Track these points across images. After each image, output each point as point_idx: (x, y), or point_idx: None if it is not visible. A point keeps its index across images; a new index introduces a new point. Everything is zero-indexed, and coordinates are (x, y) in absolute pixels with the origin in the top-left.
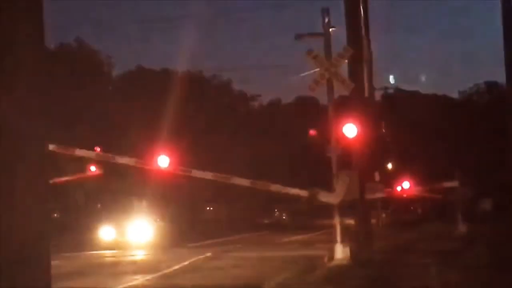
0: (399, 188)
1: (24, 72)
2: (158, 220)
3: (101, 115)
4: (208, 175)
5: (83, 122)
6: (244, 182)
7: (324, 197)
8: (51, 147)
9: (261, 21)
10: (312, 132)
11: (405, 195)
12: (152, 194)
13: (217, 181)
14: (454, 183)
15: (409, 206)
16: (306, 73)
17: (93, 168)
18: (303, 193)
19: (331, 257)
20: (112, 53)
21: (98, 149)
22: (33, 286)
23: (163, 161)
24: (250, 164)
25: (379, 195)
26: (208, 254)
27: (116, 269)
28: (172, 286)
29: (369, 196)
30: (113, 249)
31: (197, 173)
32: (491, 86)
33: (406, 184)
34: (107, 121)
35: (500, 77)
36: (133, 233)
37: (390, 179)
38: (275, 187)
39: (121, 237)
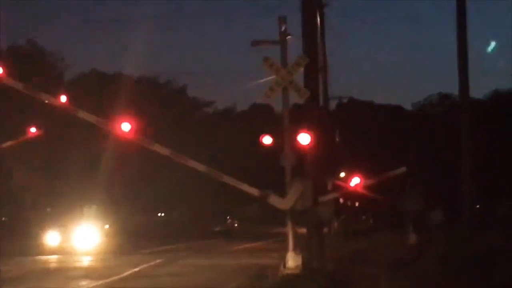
0: (352, 184)
1: None
2: (107, 225)
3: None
4: (166, 151)
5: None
6: (199, 166)
7: (274, 201)
8: None
9: (217, 28)
10: (264, 139)
11: (357, 190)
12: (103, 199)
13: (169, 187)
14: (402, 169)
15: (360, 215)
16: (261, 80)
17: (33, 130)
18: (254, 191)
19: (283, 266)
20: (67, 55)
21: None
22: None
23: (127, 126)
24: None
25: (331, 196)
26: (159, 260)
27: (65, 274)
28: None
29: (322, 198)
30: (60, 254)
31: (158, 148)
32: (444, 97)
33: (356, 180)
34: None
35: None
36: (80, 238)
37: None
38: (228, 179)
39: (67, 242)
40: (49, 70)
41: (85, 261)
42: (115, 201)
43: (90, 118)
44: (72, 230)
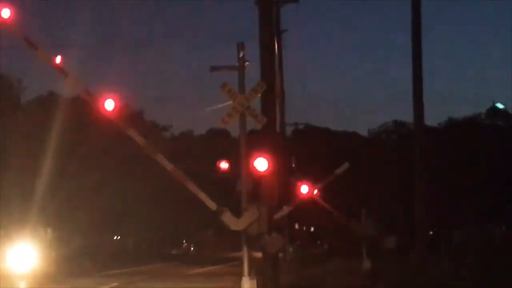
0: (303, 191)
1: None
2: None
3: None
4: (141, 142)
5: None
6: (167, 165)
7: (228, 219)
8: None
9: (176, 52)
10: (221, 165)
11: (310, 199)
12: (59, 222)
13: (125, 210)
14: (345, 166)
15: (315, 240)
16: (218, 106)
17: None
18: (212, 205)
19: None
20: (25, 77)
21: None
22: None
23: (110, 104)
24: (156, 194)
25: (286, 209)
26: (114, 284)
27: None
28: None
29: (276, 215)
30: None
31: (134, 134)
32: (399, 125)
33: (304, 188)
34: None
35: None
36: (16, 259)
37: (297, 212)
38: (190, 185)
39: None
40: (5, 92)
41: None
42: (68, 225)
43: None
44: (8, 250)
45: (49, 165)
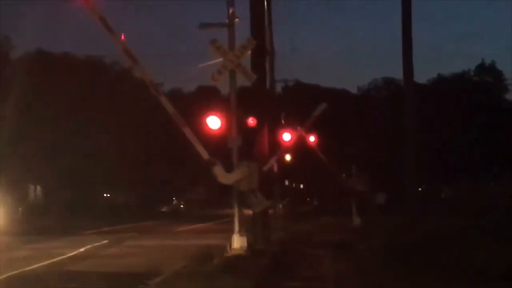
0: (286, 139)
1: None
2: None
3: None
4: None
5: None
6: (169, 108)
7: (218, 172)
8: None
9: (165, 9)
10: (210, 121)
11: (290, 144)
12: (49, 179)
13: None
14: (323, 106)
15: (305, 197)
16: (209, 63)
17: None
18: (205, 154)
19: (229, 247)
20: (13, 34)
21: None
22: None
23: None
24: (148, 150)
25: (271, 161)
26: (105, 241)
27: (7, 255)
28: (65, 272)
29: (265, 167)
30: None
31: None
32: (389, 81)
33: (286, 136)
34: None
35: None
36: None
37: (288, 169)
38: (188, 132)
39: None
40: None
41: (20, 241)
42: (59, 182)
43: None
44: None
45: (38, 121)
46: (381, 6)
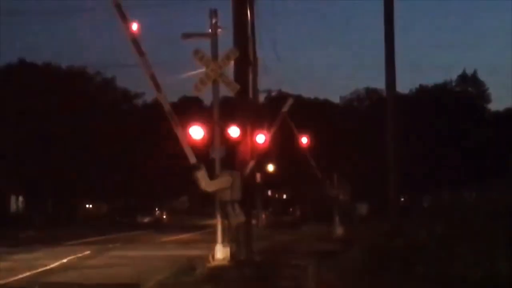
0: (259, 140)
1: None
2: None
3: None
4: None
5: None
6: (165, 106)
7: (201, 177)
8: None
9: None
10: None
11: (263, 148)
12: (31, 190)
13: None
14: (290, 101)
15: (288, 208)
16: (191, 73)
17: None
18: (192, 158)
19: (212, 257)
20: None
21: None
22: None
23: None
24: (130, 160)
25: (250, 165)
26: (87, 252)
27: None
28: (48, 284)
29: (245, 172)
30: None
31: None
32: (371, 92)
33: (260, 138)
34: None
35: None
36: None
37: (270, 180)
38: (181, 134)
39: None
40: None
41: (2, 252)
42: (40, 193)
43: None
44: None
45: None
46: (364, 16)
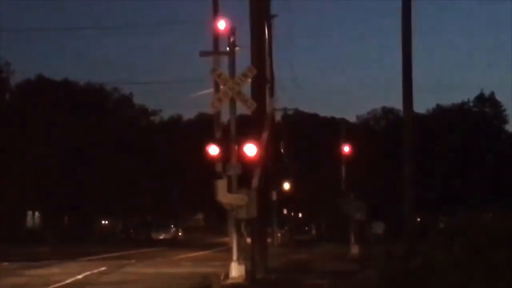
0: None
1: None
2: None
3: None
4: None
5: None
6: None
7: (221, 186)
8: None
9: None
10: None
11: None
12: (47, 206)
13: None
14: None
15: (304, 226)
16: (207, 91)
17: None
18: (219, 167)
19: (227, 275)
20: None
21: None
22: None
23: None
24: (146, 176)
25: (256, 176)
26: (102, 268)
27: (4, 282)
28: None
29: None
30: None
31: None
32: (387, 111)
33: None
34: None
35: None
36: None
37: (285, 198)
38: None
39: None
40: None
41: (19, 267)
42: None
43: None
44: None
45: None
46: (382, 36)
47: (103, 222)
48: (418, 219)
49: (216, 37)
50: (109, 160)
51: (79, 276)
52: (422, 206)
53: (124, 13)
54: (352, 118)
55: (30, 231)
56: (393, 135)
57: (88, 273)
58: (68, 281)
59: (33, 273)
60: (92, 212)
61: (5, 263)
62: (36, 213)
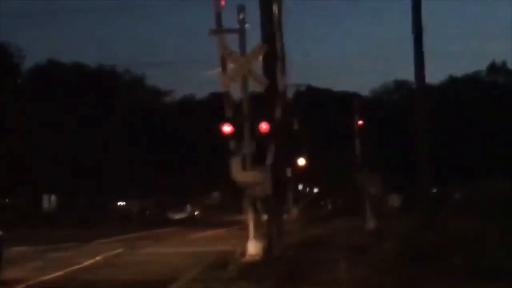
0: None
1: None
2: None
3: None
4: None
5: None
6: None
7: (235, 164)
8: None
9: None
10: (224, 128)
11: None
12: (63, 188)
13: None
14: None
15: (319, 202)
16: (215, 70)
17: None
18: (232, 145)
19: (244, 253)
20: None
21: None
22: None
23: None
24: (161, 157)
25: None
26: (119, 249)
27: (23, 265)
28: (84, 281)
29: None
30: None
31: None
32: (400, 84)
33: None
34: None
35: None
36: None
37: (300, 173)
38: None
39: None
40: (5, 60)
41: (36, 251)
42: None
43: None
44: None
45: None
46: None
47: (119, 203)
48: (434, 190)
49: (219, 15)
50: (123, 142)
51: (98, 258)
52: (437, 177)
53: None
54: (365, 92)
55: (46, 214)
56: (406, 107)
57: (105, 254)
58: (86, 263)
59: (52, 256)
60: (108, 194)
61: (24, 247)
62: (53, 196)
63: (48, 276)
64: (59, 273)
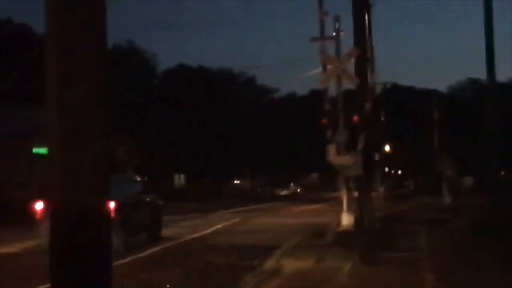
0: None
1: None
2: None
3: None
4: None
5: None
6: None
7: (330, 149)
8: None
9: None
10: (324, 121)
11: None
12: (190, 169)
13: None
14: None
15: (402, 182)
16: (316, 70)
17: None
18: (329, 135)
19: (338, 224)
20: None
21: None
22: None
23: None
24: (271, 144)
25: (361, 142)
26: (236, 220)
27: (167, 231)
28: (206, 244)
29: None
30: None
31: None
32: (474, 81)
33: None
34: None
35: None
36: None
37: (386, 158)
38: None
39: None
40: (143, 65)
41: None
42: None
43: None
44: None
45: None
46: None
47: (235, 182)
48: (502, 173)
49: (322, 23)
50: (239, 133)
51: (219, 226)
52: (507, 162)
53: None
54: (442, 89)
55: (177, 190)
56: (479, 102)
57: (225, 223)
58: (209, 230)
59: (183, 224)
60: (226, 174)
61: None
62: (182, 175)
63: (181, 240)
64: (189, 237)
